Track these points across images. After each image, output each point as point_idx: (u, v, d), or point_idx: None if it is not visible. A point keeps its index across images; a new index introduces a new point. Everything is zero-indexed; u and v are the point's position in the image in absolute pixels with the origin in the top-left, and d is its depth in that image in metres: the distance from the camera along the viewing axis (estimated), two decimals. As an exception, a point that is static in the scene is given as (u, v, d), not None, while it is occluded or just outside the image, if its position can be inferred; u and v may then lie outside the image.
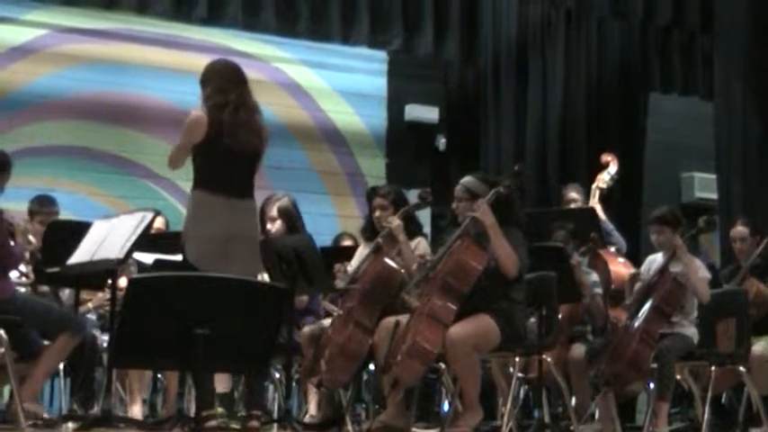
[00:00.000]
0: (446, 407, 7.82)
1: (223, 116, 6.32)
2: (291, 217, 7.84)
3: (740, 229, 8.73)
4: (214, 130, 6.31)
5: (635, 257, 9.20)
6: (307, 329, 7.75)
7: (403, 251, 7.33)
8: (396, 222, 7.35)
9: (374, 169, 12.03)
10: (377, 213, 7.55)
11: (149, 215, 6.73)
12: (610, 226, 9.49)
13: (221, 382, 7.15)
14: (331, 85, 11.99)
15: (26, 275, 7.57)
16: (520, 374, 7.34)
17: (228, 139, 6.30)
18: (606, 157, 9.91)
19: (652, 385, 7.73)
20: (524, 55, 12.25)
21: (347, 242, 9.33)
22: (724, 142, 11.34)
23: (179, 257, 7.21)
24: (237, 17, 11.04)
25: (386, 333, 6.89)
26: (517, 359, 7.21)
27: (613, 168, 9.82)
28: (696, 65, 12.84)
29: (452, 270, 6.75)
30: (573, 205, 9.47)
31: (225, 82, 6.46)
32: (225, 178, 6.35)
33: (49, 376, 7.44)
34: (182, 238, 6.40)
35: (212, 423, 6.26)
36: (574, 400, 7.84)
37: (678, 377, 7.80)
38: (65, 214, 8.54)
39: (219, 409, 6.78)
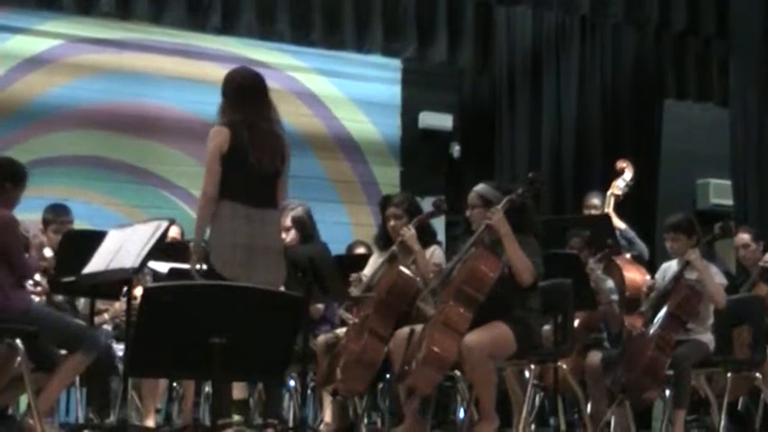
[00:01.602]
0: (462, 415, 7.81)
1: (241, 132, 6.33)
2: (306, 226, 7.85)
3: (742, 237, 8.76)
4: (234, 144, 6.32)
5: (650, 264, 9.20)
6: (322, 338, 7.75)
7: (418, 260, 7.33)
8: (410, 232, 7.35)
9: (388, 177, 12.03)
10: (391, 222, 7.56)
11: (164, 224, 6.74)
12: (631, 233, 9.51)
13: (238, 389, 7.16)
14: (345, 94, 11.99)
15: (39, 284, 7.57)
16: (535, 382, 7.33)
17: (246, 155, 6.33)
18: (621, 164, 9.91)
19: (668, 392, 7.72)
20: (539, 62, 12.25)
21: (360, 250, 9.34)
22: (739, 148, 11.32)
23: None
24: (252, 26, 11.05)
25: (401, 341, 6.88)
26: (533, 367, 7.20)
27: (628, 175, 9.81)
28: (711, 71, 12.81)
29: (467, 278, 6.74)
30: (594, 211, 9.49)
31: (242, 95, 6.47)
32: (248, 189, 6.38)
33: (64, 389, 7.45)
34: (206, 248, 6.42)
35: (228, 431, 6.27)
36: (589, 408, 7.82)
37: (694, 384, 7.78)
38: (80, 224, 8.57)
39: (236, 417, 6.78)
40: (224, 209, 6.39)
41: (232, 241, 6.32)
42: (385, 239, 7.61)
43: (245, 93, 6.49)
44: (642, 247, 9.47)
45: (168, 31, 11.05)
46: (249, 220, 6.37)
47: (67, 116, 10.73)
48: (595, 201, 9.62)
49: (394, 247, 7.36)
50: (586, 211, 9.64)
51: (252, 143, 6.35)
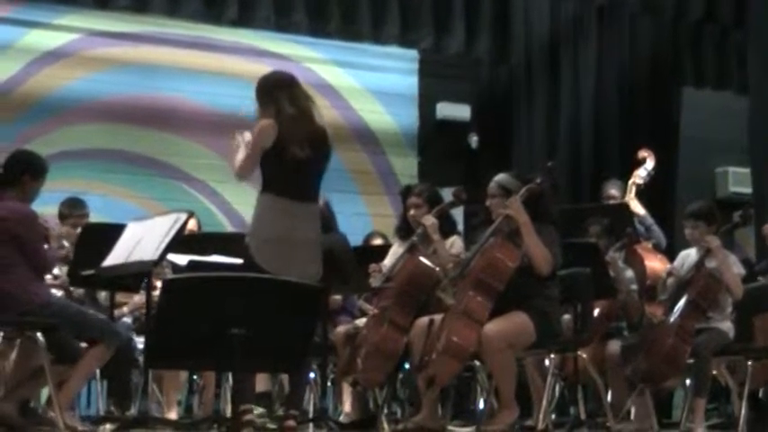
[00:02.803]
0: (482, 405, 7.81)
1: (286, 127, 6.37)
2: (324, 217, 7.84)
3: None
4: (279, 138, 6.36)
5: (669, 253, 9.17)
6: (341, 329, 7.76)
7: (438, 250, 7.33)
8: (430, 221, 7.35)
9: (406, 168, 12.02)
10: (411, 212, 7.56)
11: (183, 216, 6.75)
12: (649, 220, 9.50)
13: (261, 382, 7.17)
14: (362, 85, 11.98)
15: (58, 278, 7.59)
16: (555, 371, 7.32)
17: (292, 148, 6.35)
18: (643, 153, 9.89)
19: (688, 381, 7.70)
20: (556, 52, 12.23)
21: (377, 241, 9.34)
22: (758, 136, 11.28)
23: (213, 258, 7.26)
24: (268, 18, 11.06)
25: (421, 332, 6.89)
26: (552, 356, 7.20)
27: (650, 164, 9.79)
28: (729, 59, 12.77)
29: (486, 268, 6.74)
30: (612, 201, 9.47)
31: (282, 91, 6.51)
32: (291, 183, 6.41)
33: (85, 383, 7.47)
34: (246, 239, 6.43)
35: (249, 417, 6.28)
36: (610, 397, 7.81)
37: (714, 372, 7.76)
38: (99, 217, 8.58)
39: (259, 409, 6.79)
40: (267, 202, 6.42)
41: (274, 235, 6.35)
42: (406, 229, 7.61)
43: (280, 85, 6.55)
44: (660, 235, 9.45)
45: (184, 24, 11.06)
46: (291, 213, 6.41)
47: (85, 109, 10.75)
48: (613, 191, 9.61)
49: (414, 238, 7.36)
50: (604, 201, 9.63)
51: (297, 137, 6.37)
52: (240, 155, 6.47)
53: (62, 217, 8.20)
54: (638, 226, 9.26)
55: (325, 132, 6.59)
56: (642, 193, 9.80)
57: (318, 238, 6.60)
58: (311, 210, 6.54)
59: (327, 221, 7.82)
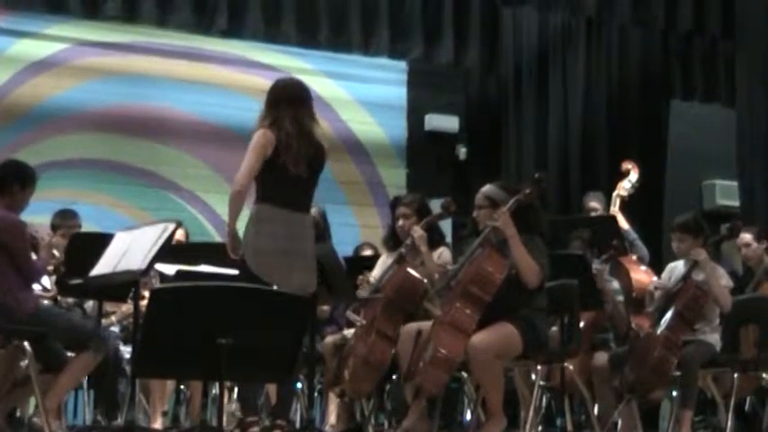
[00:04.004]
0: (469, 416, 7.82)
1: (283, 137, 6.38)
2: (319, 227, 7.85)
3: (744, 236, 8.77)
4: (277, 148, 6.40)
5: (657, 265, 9.18)
6: (330, 339, 7.77)
7: (426, 261, 7.34)
8: (419, 233, 7.35)
9: (395, 179, 12.04)
10: (400, 222, 7.57)
11: (171, 226, 6.75)
12: (633, 235, 9.48)
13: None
14: (351, 96, 12.00)
15: (47, 289, 7.59)
16: (542, 382, 7.33)
17: (288, 160, 6.38)
18: (627, 165, 9.88)
19: (675, 393, 7.72)
20: (545, 63, 12.26)
21: (368, 252, 9.34)
22: (746, 149, 11.31)
23: (202, 268, 7.26)
24: (258, 29, 11.07)
25: (408, 340, 6.89)
26: (539, 367, 7.21)
27: (634, 176, 9.79)
28: (718, 71, 12.81)
29: (474, 279, 6.75)
30: (593, 214, 9.46)
31: (286, 102, 6.53)
32: (287, 193, 6.44)
33: (71, 390, 7.47)
34: (241, 250, 6.44)
35: (255, 429, 6.30)
36: (597, 408, 7.82)
37: (701, 384, 7.78)
38: (87, 226, 8.59)
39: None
40: (264, 212, 6.44)
41: (271, 245, 6.37)
42: (394, 240, 7.63)
43: (289, 99, 6.56)
44: (643, 250, 9.43)
45: (174, 34, 11.08)
46: (288, 223, 6.44)
47: (74, 119, 10.76)
48: (593, 203, 9.59)
49: (402, 249, 7.37)
50: (585, 214, 9.62)
51: (295, 149, 6.39)
52: (242, 170, 6.45)
53: (54, 228, 8.21)
54: (622, 242, 9.25)
55: (323, 149, 6.61)
56: (629, 206, 9.81)
57: (314, 249, 6.62)
58: (307, 221, 6.57)
59: (322, 231, 7.84)
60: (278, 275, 6.24)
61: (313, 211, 7.74)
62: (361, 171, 12.00)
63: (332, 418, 7.95)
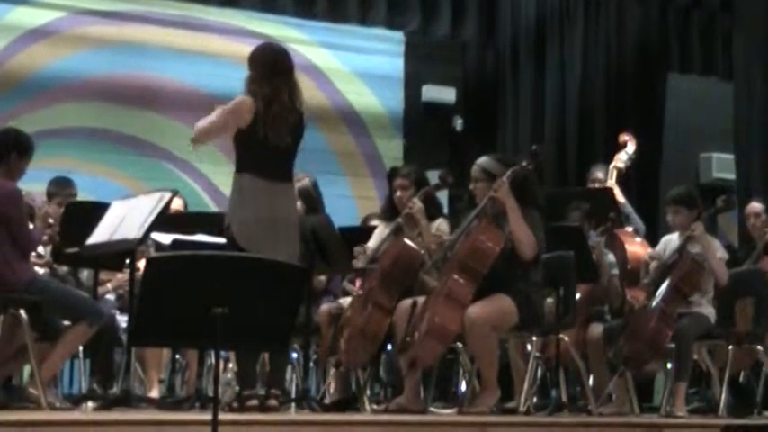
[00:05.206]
0: (463, 387, 7.83)
1: (263, 106, 6.40)
2: (311, 198, 7.85)
3: (755, 206, 8.76)
4: (256, 117, 6.41)
5: (653, 238, 9.19)
6: (325, 307, 7.76)
7: (423, 233, 7.33)
8: (417, 206, 7.34)
9: (391, 150, 12.02)
10: (398, 193, 7.56)
11: (167, 195, 6.75)
12: (629, 209, 9.48)
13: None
14: (348, 67, 11.97)
15: (41, 256, 7.58)
16: (537, 354, 7.34)
17: (266, 129, 6.39)
18: (623, 137, 9.86)
19: (670, 365, 7.74)
20: (543, 36, 12.23)
21: (375, 222, 9.32)
22: (742, 122, 11.32)
23: (198, 237, 7.26)
24: (255, -1, 11.07)
25: (404, 313, 6.90)
26: (535, 339, 7.23)
27: (631, 148, 9.77)
28: (715, 45, 12.79)
29: (470, 251, 6.76)
30: (598, 185, 9.46)
31: (263, 71, 6.54)
32: (268, 163, 6.46)
33: (67, 359, 7.48)
34: (226, 221, 6.45)
35: (253, 402, 6.31)
36: (591, 381, 7.84)
37: (695, 357, 7.80)
38: (84, 196, 8.58)
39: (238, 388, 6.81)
40: (245, 182, 6.46)
41: (255, 216, 6.38)
42: (391, 211, 7.61)
43: (271, 68, 6.56)
44: (639, 223, 9.43)
45: (171, 3, 11.06)
46: (270, 193, 6.45)
47: (70, 88, 10.73)
48: (599, 174, 9.60)
49: (399, 219, 7.37)
50: (590, 185, 9.62)
51: (273, 118, 6.40)
52: (204, 121, 6.50)
53: (50, 196, 8.18)
54: (618, 213, 9.25)
55: (302, 117, 6.61)
56: (626, 179, 9.80)
57: (297, 218, 6.62)
58: (290, 190, 6.59)
59: (314, 202, 7.84)
60: (262, 245, 6.25)
61: (305, 181, 7.76)
62: (357, 142, 11.98)
63: (330, 387, 7.95)
